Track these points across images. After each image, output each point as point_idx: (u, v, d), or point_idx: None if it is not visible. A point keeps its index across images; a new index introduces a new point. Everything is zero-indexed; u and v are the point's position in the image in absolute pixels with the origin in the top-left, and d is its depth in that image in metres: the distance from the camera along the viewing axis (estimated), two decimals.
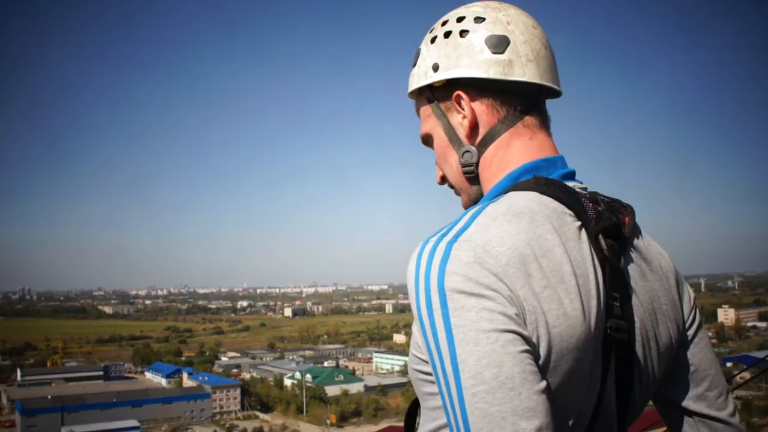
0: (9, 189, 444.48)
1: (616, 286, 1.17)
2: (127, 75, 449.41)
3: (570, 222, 1.17)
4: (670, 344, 1.31)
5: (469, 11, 1.36)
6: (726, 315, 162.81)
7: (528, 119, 1.33)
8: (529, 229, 1.11)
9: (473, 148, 1.34)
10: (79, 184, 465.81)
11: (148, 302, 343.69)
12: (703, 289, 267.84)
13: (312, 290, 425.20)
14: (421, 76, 1.40)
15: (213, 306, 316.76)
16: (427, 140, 1.45)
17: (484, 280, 1.04)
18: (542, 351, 1.06)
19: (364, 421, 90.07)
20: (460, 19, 1.36)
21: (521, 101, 1.33)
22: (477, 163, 1.35)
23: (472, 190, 1.38)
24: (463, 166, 1.36)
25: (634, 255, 1.27)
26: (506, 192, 1.23)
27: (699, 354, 1.38)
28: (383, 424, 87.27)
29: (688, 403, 1.37)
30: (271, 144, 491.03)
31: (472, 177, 1.36)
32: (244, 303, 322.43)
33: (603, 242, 1.18)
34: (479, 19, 1.34)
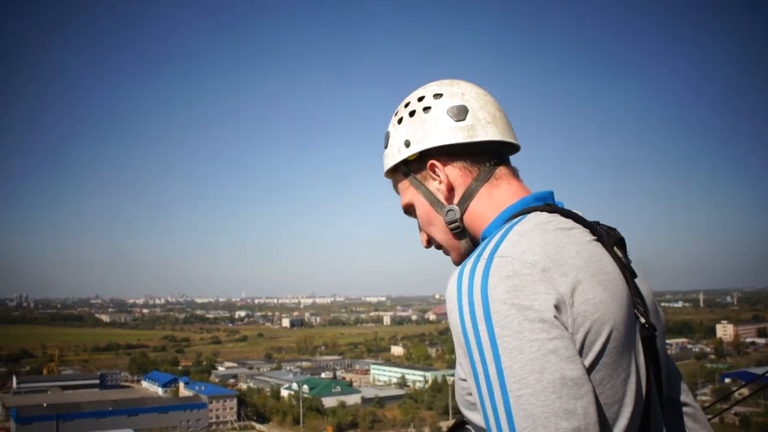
0: (7, 195, 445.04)
1: (637, 290, 1.31)
2: (127, 81, 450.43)
3: (588, 235, 1.31)
4: (663, 344, 1.43)
5: (426, 91, 1.55)
6: (725, 331, 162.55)
7: (499, 171, 1.49)
8: (555, 239, 1.25)
9: (455, 206, 1.48)
10: (78, 191, 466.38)
11: (145, 311, 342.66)
12: (702, 305, 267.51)
13: (310, 301, 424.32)
14: (395, 155, 1.56)
15: (211, 316, 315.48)
16: (409, 210, 1.60)
17: (525, 289, 1.15)
18: (585, 336, 1.16)
19: None
20: (420, 99, 1.54)
21: (488, 158, 1.49)
22: (461, 219, 1.49)
23: (461, 244, 1.52)
24: (449, 223, 1.49)
25: (633, 266, 1.38)
26: (516, 216, 1.37)
27: (669, 356, 1.53)
28: None
29: (683, 397, 1.54)
30: (272, 154, 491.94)
31: (459, 232, 1.50)
32: (242, 313, 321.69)
33: (619, 253, 1.33)
34: (438, 95, 1.52)
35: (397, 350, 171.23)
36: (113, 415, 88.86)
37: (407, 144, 1.52)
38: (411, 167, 1.54)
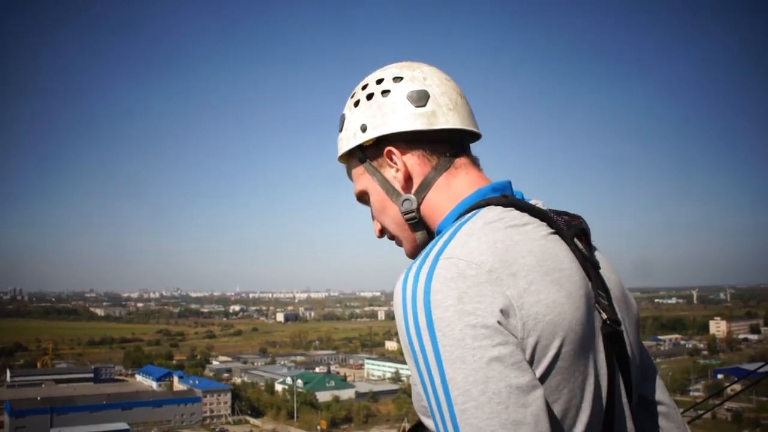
0: (3, 189, 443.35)
1: (600, 283, 1.25)
2: (121, 77, 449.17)
3: (544, 229, 1.24)
4: (636, 340, 1.39)
5: (386, 73, 1.46)
6: (718, 327, 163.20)
7: (458, 161, 1.42)
8: (506, 237, 1.18)
9: (412, 195, 1.41)
10: (73, 185, 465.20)
11: (140, 305, 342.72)
12: (695, 301, 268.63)
13: (305, 296, 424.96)
14: (350, 139, 1.47)
15: (205, 310, 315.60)
16: (363, 197, 1.52)
17: (468, 292, 1.09)
18: (538, 341, 1.10)
19: (354, 427, 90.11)
20: (379, 81, 1.45)
21: (448, 147, 1.42)
22: (418, 210, 1.41)
23: (417, 235, 1.45)
24: (405, 213, 1.42)
25: (597, 256, 1.33)
26: (471, 210, 1.30)
27: (645, 348, 1.47)
28: (374, 431, 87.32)
29: (657, 395, 1.47)
30: (266, 149, 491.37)
31: (415, 223, 1.43)
32: (237, 307, 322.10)
33: (579, 245, 1.27)
34: (397, 79, 1.43)
35: (391, 345, 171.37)
36: (107, 409, 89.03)
37: (363, 129, 1.44)
38: (367, 153, 1.47)
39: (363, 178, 1.49)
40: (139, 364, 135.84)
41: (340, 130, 1.52)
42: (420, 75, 1.44)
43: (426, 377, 1.09)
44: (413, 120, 1.39)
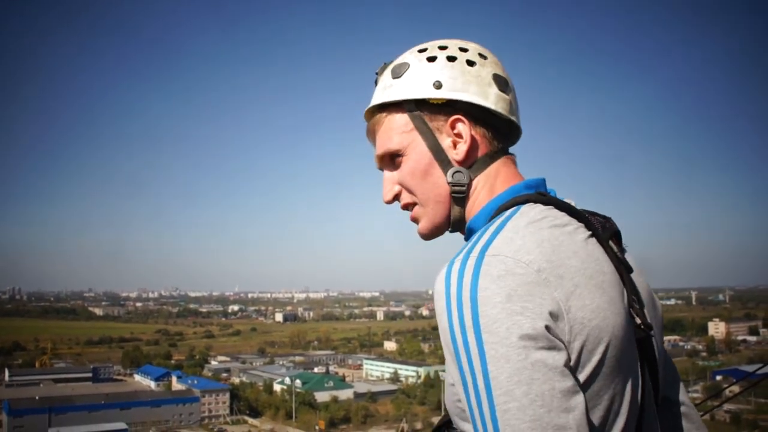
0: (2, 189, 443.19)
1: (632, 286, 1.24)
2: (120, 75, 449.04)
3: (582, 231, 1.23)
4: (660, 340, 1.39)
5: (470, 46, 1.41)
6: (717, 328, 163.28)
7: (509, 156, 1.41)
8: (551, 237, 1.16)
9: (465, 169, 1.35)
10: (72, 185, 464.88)
11: (138, 304, 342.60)
12: (694, 303, 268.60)
13: (303, 296, 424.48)
14: (413, 89, 1.37)
15: (204, 310, 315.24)
16: (387, 157, 1.43)
17: (518, 290, 1.07)
18: (583, 346, 1.09)
19: (353, 427, 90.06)
20: (463, 50, 1.39)
21: (504, 140, 1.41)
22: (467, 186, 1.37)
23: (453, 210, 1.39)
24: (454, 185, 1.36)
25: (628, 258, 1.31)
26: (507, 207, 1.27)
27: (665, 351, 1.45)
28: (372, 431, 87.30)
29: (678, 395, 1.47)
30: (266, 149, 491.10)
31: (460, 198, 1.37)
32: (235, 307, 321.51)
33: (614, 248, 1.25)
34: (483, 57, 1.39)
35: (390, 345, 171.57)
36: (106, 409, 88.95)
37: (438, 85, 1.35)
38: (424, 110, 1.37)
39: (405, 135, 1.39)
40: (137, 363, 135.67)
41: (395, 77, 1.40)
42: (502, 65, 1.42)
43: (468, 376, 1.07)
44: (496, 101, 1.35)
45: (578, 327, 1.09)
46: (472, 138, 1.35)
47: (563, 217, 1.23)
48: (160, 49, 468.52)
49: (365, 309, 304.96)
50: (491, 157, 1.37)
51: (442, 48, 1.40)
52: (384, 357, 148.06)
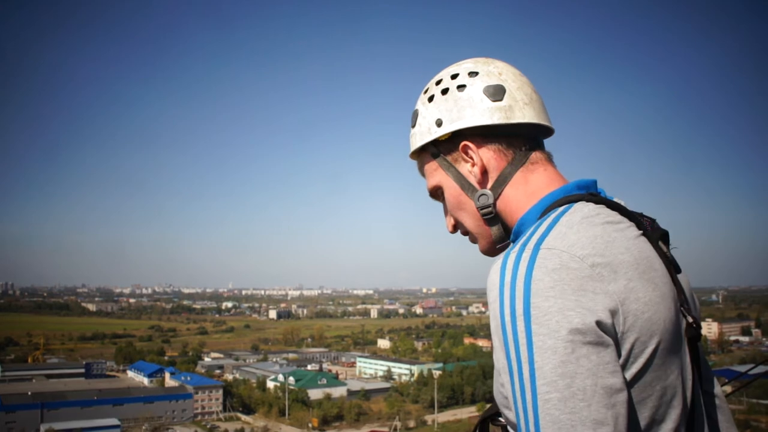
0: None
1: (680, 286, 1.26)
2: (119, 73, 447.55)
3: (634, 229, 1.25)
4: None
5: (461, 68, 1.46)
6: (709, 329, 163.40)
7: (534, 156, 1.42)
8: (604, 233, 1.18)
9: (488, 190, 1.40)
10: (67, 181, 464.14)
11: (132, 300, 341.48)
12: None
13: (297, 293, 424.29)
14: (424, 134, 1.47)
15: (198, 306, 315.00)
16: (436, 193, 1.52)
17: (571, 284, 1.09)
18: (637, 338, 1.12)
19: (346, 425, 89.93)
20: (454, 76, 1.45)
21: (524, 142, 1.42)
22: (494, 205, 1.41)
23: (492, 230, 1.44)
24: (481, 208, 1.41)
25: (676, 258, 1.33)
26: (558, 205, 1.30)
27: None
28: (365, 429, 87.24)
29: (714, 389, 1.48)
30: (262, 147, 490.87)
31: (491, 218, 1.42)
32: (229, 304, 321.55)
33: (663, 247, 1.28)
34: (473, 74, 1.43)
35: (383, 343, 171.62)
36: (98, 404, 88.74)
37: (439, 123, 1.44)
38: (441, 148, 1.46)
39: (437, 174, 1.48)
40: (130, 359, 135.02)
41: (413, 126, 1.51)
42: (495, 70, 1.44)
43: (514, 363, 1.09)
44: (491, 114, 1.39)
45: (632, 319, 1.11)
46: (482, 158, 1.40)
47: (615, 216, 1.26)
48: (154, 50, 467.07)
49: (359, 307, 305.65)
50: (515, 166, 1.40)
51: (438, 82, 1.47)
52: (377, 355, 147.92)
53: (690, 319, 1.23)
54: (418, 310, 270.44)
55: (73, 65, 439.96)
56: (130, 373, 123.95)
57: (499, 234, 1.44)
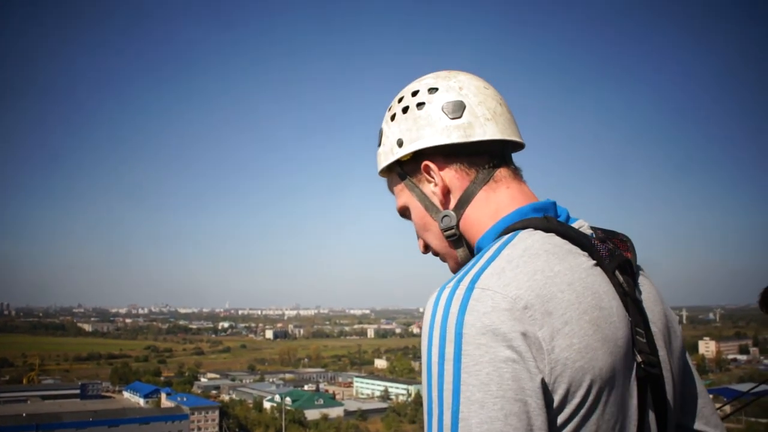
0: None
1: (640, 320, 1.18)
2: (119, 84, 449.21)
3: (585, 261, 1.18)
4: (680, 370, 1.35)
5: (421, 84, 1.41)
6: (707, 347, 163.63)
7: (498, 173, 1.35)
8: (546, 267, 1.12)
9: (451, 211, 1.36)
10: (63, 200, 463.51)
11: (128, 321, 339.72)
12: (684, 321, 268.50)
13: (294, 313, 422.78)
14: (387, 154, 1.43)
15: (194, 326, 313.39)
16: (405, 212, 1.47)
17: (501, 329, 1.03)
18: (566, 386, 1.05)
19: None
20: (414, 93, 1.40)
21: (488, 159, 1.36)
22: (457, 226, 1.36)
23: (458, 252, 1.39)
24: (444, 230, 1.37)
25: (641, 287, 1.29)
26: (509, 230, 1.24)
27: (691, 373, 1.42)
28: None
29: (697, 425, 1.40)
30: (257, 165, 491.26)
31: (455, 240, 1.37)
32: (225, 324, 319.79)
33: (621, 278, 1.19)
34: (433, 90, 1.38)
35: (380, 363, 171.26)
36: (94, 426, 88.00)
37: (400, 143, 1.40)
38: (405, 168, 1.42)
39: (403, 194, 1.44)
40: (126, 380, 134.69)
41: (379, 145, 1.48)
42: (456, 84, 1.39)
43: (435, 406, 1.03)
44: (448, 133, 1.34)
45: (560, 368, 1.04)
46: (443, 178, 1.36)
47: (564, 246, 1.19)
48: (164, 50, 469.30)
49: (356, 326, 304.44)
50: (477, 185, 1.35)
51: (400, 100, 1.43)
52: (374, 375, 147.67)
53: (640, 359, 1.14)
54: (415, 330, 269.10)
55: (70, 77, 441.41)
56: (126, 394, 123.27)
57: (465, 255, 1.38)
